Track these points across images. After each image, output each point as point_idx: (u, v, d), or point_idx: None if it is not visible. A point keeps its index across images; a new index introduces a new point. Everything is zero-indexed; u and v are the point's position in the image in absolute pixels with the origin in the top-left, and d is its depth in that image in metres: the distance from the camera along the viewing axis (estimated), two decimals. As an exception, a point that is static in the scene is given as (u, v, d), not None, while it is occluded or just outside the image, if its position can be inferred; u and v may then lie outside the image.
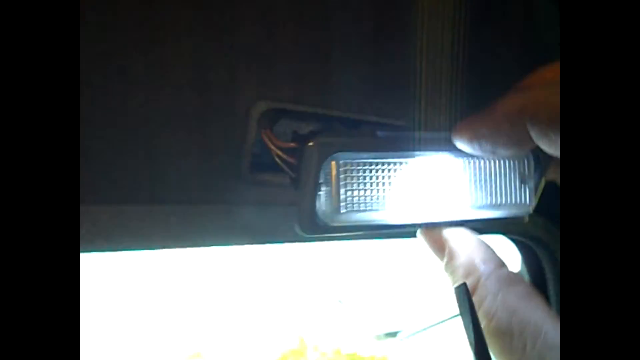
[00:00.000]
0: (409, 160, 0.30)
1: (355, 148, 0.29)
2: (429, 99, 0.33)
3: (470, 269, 0.29)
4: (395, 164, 0.29)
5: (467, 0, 0.33)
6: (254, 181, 0.33)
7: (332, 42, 0.33)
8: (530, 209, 0.31)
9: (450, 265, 0.30)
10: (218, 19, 0.30)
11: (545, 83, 0.25)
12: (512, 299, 0.27)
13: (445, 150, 0.30)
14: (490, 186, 0.31)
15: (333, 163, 0.28)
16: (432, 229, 0.31)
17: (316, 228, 0.29)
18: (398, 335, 2.86)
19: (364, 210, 0.29)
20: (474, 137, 0.27)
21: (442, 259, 0.31)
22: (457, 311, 0.26)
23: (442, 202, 0.30)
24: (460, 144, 0.28)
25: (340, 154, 0.29)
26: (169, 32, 0.29)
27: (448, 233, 0.31)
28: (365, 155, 0.29)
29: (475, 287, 0.28)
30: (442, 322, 2.23)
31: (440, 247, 0.31)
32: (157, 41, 0.29)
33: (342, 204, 0.28)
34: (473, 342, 0.24)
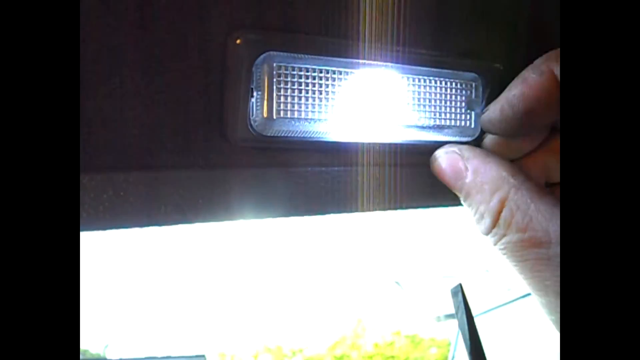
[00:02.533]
0: (350, 70, 0.27)
1: (290, 48, 0.26)
2: (375, 10, 0.28)
3: (499, 183, 0.27)
4: (335, 72, 0.27)
5: None
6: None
7: None
8: (476, 134, 0.30)
9: (475, 183, 0.28)
10: None
11: None
12: (545, 208, 0.26)
13: (389, 64, 0.28)
14: (435, 107, 0.29)
15: (265, 65, 0.25)
16: (449, 149, 0.29)
17: (249, 137, 0.26)
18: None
19: (300, 119, 0.26)
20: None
21: (461, 181, 0.28)
22: (454, 310, 0.26)
23: (385, 119, 0.28)
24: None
25: (273, 53, 0.25)
26: None
27: (468, 150, 0.29)
28: (302, 58, 0.26)
29: (504, 201, 0.27)
30: (506, 304, 2.20)
31: (458, 169, 0.29)
32: None
33: (276, 109, 0.25)
34: (468, 341, 0.25)
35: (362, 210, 0.31)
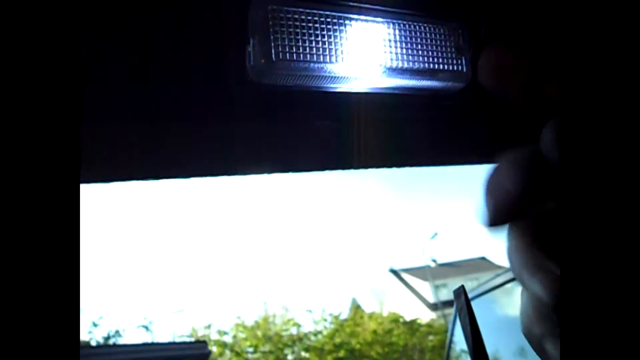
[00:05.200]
0: (344, 15, 0.28)
1: None
2: None
3: None
4: (329, 17, 0.27)
5: None
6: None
7: None
8: (469, 79, 0.31)
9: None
10: None
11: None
12: None
13: (380, 7, 0.29)
14: (427, 52, 0.30)
15: (260, 10, 0.26)
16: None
17: (248, 87, 0.26)
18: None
19: (298, 61, 0.26)
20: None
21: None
22: (457, 311, 0.27)
23: (381, 63, 0.29)
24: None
25: None
26: None
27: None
28: (296, 4, 0.26)
29: None
30: (499, 285, 2.23)
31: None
32: None
33: (275, 52, 0.26)
34: (471, 341, 0.25)
35: (363, 167, 0.31)
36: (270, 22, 0.26)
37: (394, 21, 0.29)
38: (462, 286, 0.27)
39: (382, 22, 0.29)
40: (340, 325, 10.02)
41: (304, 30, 0.26)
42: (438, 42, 0.31)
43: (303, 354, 9.56)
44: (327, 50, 0.27)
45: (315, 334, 9.92)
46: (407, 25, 0.30)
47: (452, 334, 2.60)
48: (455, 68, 0.31)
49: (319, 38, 0.27)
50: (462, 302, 0.26)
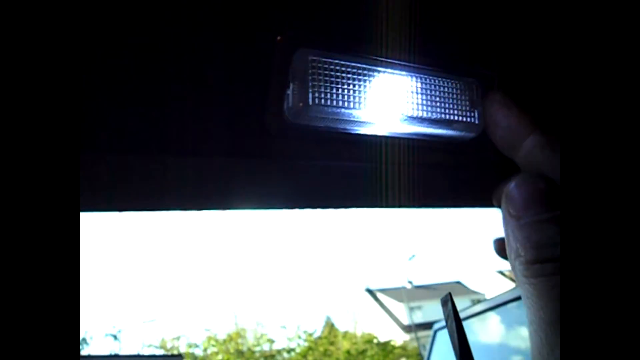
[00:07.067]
0: (374, 68, 0.32)
1: (325, 46, 0.30)
2: (396, 19, 0.34)
3: None
4: (361, 69, 0.31)
5: None
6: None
7: None
8: (480, 130, 0.34)
9: None
10: None
11: None
12: None
13: (405, 63, 0.33)
14: (444, 104, 0.34)
15: (301, 59, 0.29)
16: None
17: (285, 125, 0.30)
18: (434, 326, 2.90)
19: (331, 107, 0.30)
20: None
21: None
22: (444, 318, 0.28)
23: (404, 112, 0.33)
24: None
25: (310, 50, 0.29)
26: None
27: None
28: (333, 56, 0.30)
29: None
30: (479, 313, 2.25)
31: None
32: None
33: (312, 97, 0.29)
34: (457, 347, 0.26)
35: (386, 207, 0.34)
36: (310, 71, 0.29)
37: (416, 75, 0.33)
38: (449, 294, 0.29)
39: (406, 75, 0.33)
40: (313, 344, 9.92)
41: (338, 79, 0.30)
42: (454, 95, 0.34)
43: (274, 371, 9.41)
44: (356, 97, 0.31)
45: (288, 351, 9.80)
46: (427, 79, 0.34)
47: (430, 352, 2.59)
48: (468, 120, 0.34)
49: (350, 87, 0.31)
50: (449, 310, 0.28)
